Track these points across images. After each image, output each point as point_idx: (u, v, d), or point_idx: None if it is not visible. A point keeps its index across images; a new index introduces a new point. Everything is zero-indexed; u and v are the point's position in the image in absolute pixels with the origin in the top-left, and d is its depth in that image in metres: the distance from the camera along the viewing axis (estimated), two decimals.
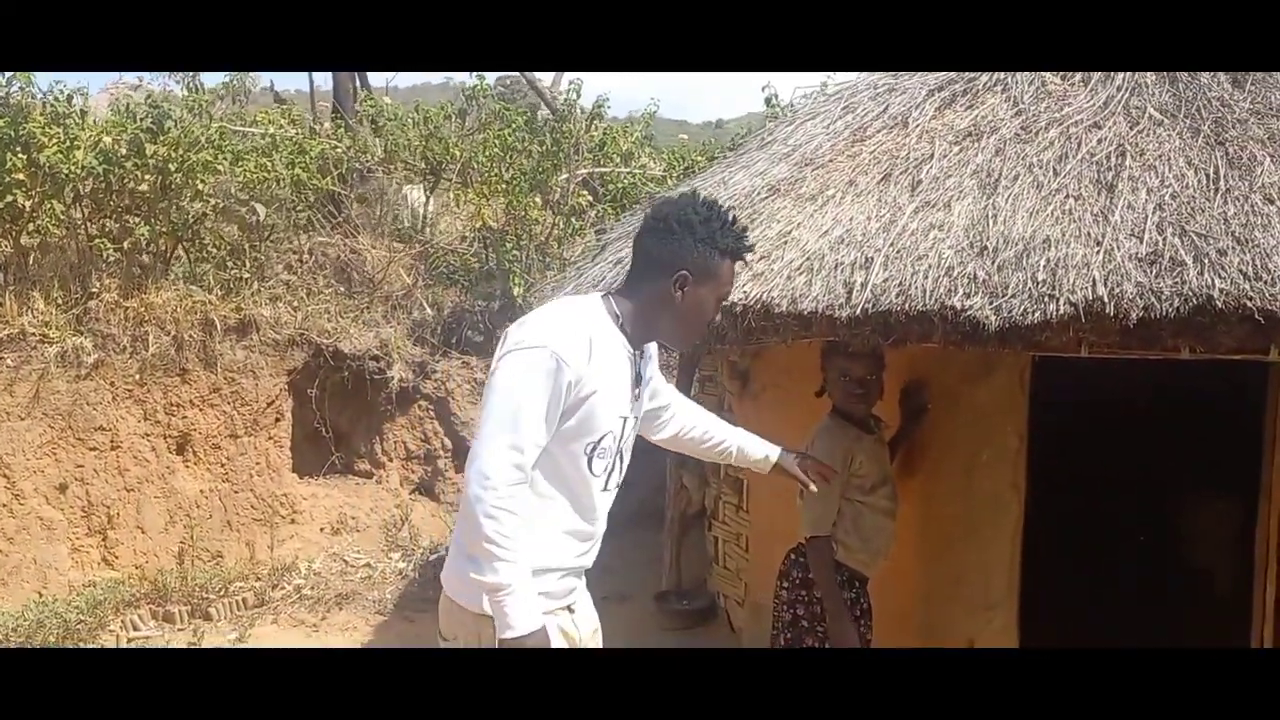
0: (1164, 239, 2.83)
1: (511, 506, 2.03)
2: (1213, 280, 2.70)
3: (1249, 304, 2.63)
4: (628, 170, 8.33)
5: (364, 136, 7.81)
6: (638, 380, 2.31)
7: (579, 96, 8.54)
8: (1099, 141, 3.29)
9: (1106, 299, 2.77)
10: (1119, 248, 2.86)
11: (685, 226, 2.21)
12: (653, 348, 2.46)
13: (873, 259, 3.15)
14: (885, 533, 3.29)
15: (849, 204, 3.48)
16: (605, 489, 2.30)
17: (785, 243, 3.42)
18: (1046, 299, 2.84)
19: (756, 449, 2.72)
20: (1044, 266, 2.91)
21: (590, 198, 8.04)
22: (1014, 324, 2.85)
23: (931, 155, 3.51)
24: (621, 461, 2.33)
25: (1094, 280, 2.81)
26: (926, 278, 3.02)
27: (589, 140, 8.33)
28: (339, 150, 7.45)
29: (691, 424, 2.67)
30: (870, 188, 3.52)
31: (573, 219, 7.82)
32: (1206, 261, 2.75)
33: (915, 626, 3.77)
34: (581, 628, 2.37)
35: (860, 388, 3.23)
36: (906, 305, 2.99)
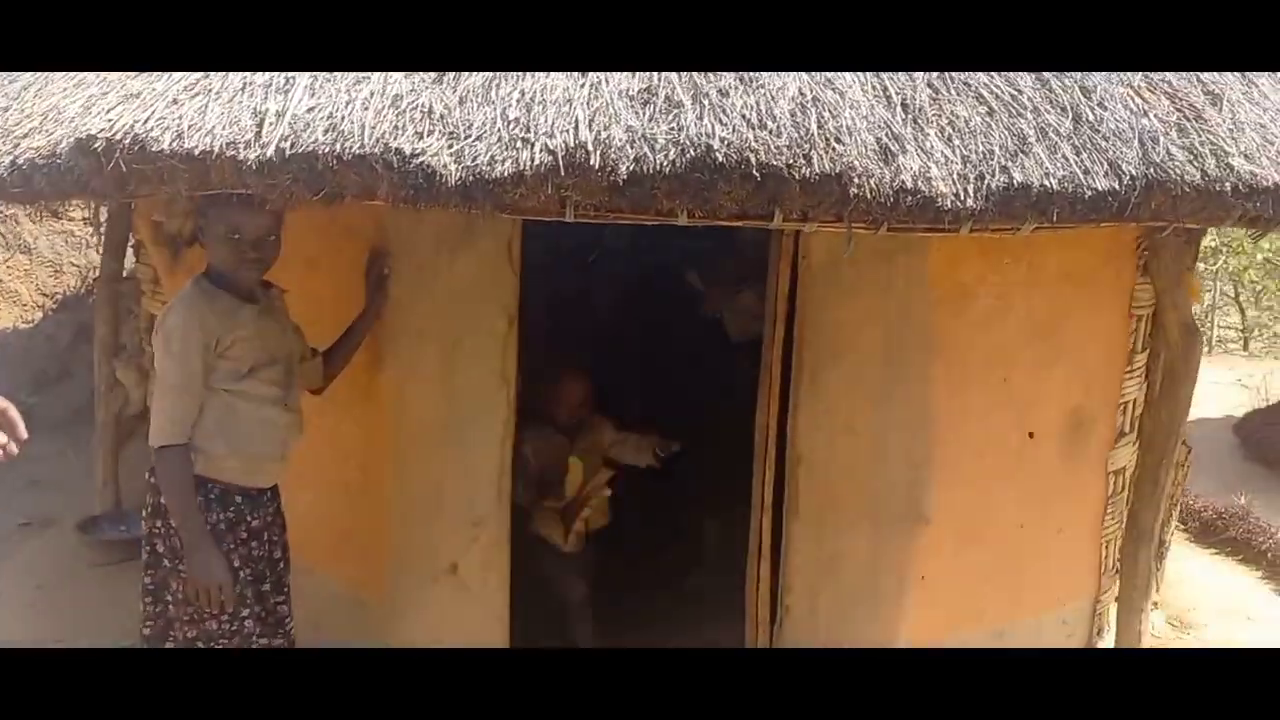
0: (659, 73, 2.26)
1: None
2: (713, 127, 2.18)
3: (751, 156, 2.14)
4: None
5: None
6: None
7: None
8: None
9: (591, 146, 2.15)
10: (607, 81, 2.25)
11: None
12: None
13: (293, 80, 2.27)
14: (272, 428, 2.54)
15: None
16: None
17: None
18: (520, 143, 2.17)
19: None
20: (517, 101, 2.23)
21: None
22: (480, 175, 2.16)
23: None
24: None
25: (577, 121, 2.18)
26: (366, 109, 2.22)
27: None
28: None
29: None
30: None
31: None
32: (707, 103, 2.22)
33: (391, 548, 3.11)
34: None
35: (255, 250, 2.44)
36: (339, 146, 2.17)
